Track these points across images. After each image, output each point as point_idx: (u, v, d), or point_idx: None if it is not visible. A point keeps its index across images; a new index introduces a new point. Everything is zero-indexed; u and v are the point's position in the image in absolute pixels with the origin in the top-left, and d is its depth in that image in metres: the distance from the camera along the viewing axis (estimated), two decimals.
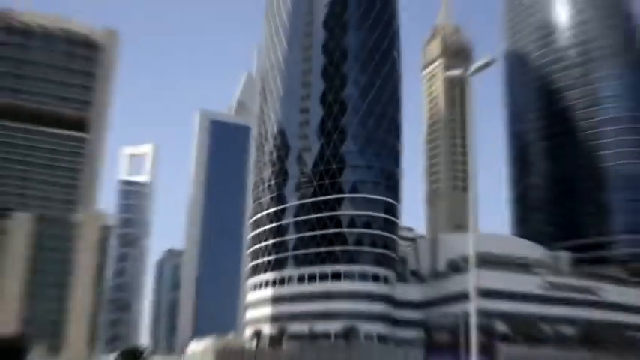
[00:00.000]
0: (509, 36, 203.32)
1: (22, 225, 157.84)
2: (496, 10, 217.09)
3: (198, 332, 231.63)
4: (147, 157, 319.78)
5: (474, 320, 26.19)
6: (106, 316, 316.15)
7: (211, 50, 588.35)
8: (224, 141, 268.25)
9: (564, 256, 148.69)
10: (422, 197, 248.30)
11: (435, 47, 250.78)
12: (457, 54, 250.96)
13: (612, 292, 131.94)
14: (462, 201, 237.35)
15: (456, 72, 28.71)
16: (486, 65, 27.16)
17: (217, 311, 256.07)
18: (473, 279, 25.54)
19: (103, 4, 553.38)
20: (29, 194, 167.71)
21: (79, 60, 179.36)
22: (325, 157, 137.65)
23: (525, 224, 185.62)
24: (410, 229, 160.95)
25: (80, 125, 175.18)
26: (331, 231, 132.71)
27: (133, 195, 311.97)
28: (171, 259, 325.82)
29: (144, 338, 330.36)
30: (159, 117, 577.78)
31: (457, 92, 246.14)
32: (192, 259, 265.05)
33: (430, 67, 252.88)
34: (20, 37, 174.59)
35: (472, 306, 26.17)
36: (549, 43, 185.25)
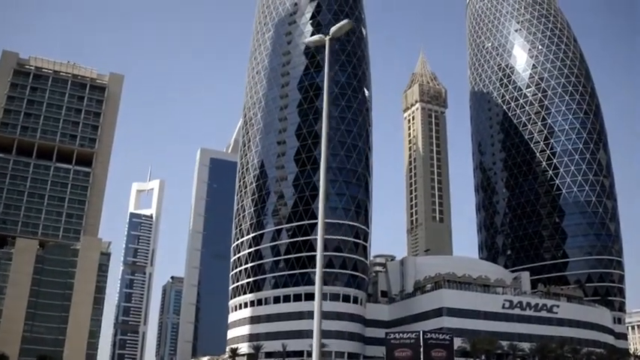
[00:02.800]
0: (475, 77, 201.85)
1: (26, 250, 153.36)
2: (465, 56, 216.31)
3: (196, 353, 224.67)
4: (153, 191, 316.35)
5: (316, 341, 21.86)
6: (114, 338, 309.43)
7: (216, 95, 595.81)
8: (221, 176, 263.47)
9: (525, 276, 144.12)
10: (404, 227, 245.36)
11: (414, 93, 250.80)
12: (434, 97, 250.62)
13: (567, 310, 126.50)
14: (438, 229, 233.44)
15: (315, 37, 25.65)
16: (342, 29, 24.49)
17: (214, 333, 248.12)
18: (317, 303, 21.22)
19: (117, 52, 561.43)
20: (36, 223, 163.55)
21: (86, 101, 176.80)
22: (299, 185, 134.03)
23: (491, 247, 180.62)
24: (392, 257, 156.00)
25: (85, 160, 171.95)
26: (305, 254, 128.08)
27: (140, 226, 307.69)
28: (175, 285, 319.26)
29: (149, 358, 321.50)
30: (168, 154, 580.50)
31: (434, 132, 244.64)
32: (191, 286, 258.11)
33: (409, 111, 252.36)
34: (31, 79, 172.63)
35: (315, 327, 21.67)
36: (509, 83, 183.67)
